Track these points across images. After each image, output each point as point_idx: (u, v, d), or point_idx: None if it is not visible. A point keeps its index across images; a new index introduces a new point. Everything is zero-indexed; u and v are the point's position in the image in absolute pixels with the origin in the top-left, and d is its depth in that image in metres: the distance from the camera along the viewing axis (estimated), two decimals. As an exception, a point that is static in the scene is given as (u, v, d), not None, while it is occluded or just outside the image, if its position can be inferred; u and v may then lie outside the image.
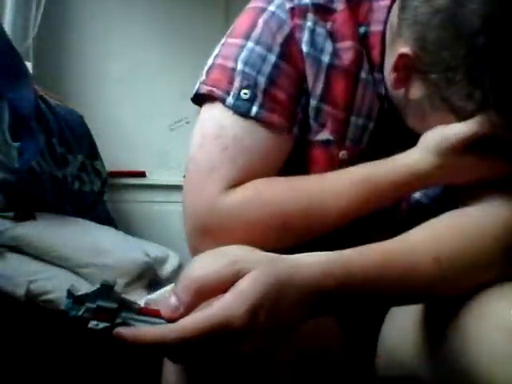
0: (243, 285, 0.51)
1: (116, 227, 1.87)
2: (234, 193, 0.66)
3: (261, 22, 0.71)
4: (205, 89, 0.71)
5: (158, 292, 1.53)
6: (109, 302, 0.52)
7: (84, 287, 1.52)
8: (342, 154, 0.73)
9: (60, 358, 1.32)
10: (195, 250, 0.66)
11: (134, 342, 0.50)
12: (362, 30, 0.73)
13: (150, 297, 1.54)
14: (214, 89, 0.70)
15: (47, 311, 1.40)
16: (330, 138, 0.73)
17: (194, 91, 0.73)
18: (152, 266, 1.64)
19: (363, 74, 0.73)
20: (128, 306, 0.53)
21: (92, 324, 0.52)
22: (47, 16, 2.02)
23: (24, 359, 1.29)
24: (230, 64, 0.71)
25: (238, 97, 0.69)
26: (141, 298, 1.54)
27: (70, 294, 0.52)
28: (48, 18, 2.03)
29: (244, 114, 0.69)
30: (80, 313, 0.52)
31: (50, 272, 1.46)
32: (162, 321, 0.52)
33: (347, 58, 0.72)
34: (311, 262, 0.55)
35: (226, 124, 0.69)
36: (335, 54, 0.72)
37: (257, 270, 0.52)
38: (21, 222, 1.49)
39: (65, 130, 1.76)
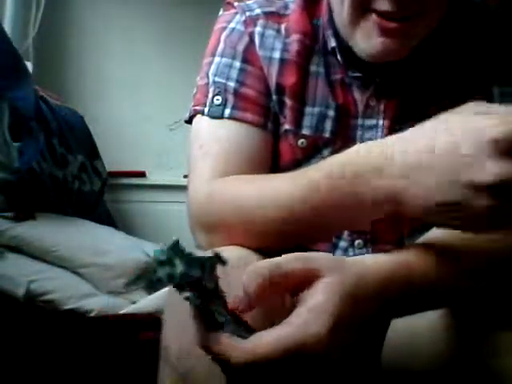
0: (320, 299, 0.48)
1: (116, 227, 1.87)
2: (208, 187, 0.70)
3: (223, 37, 0.80)
4: (191, 110, 0.79)
5: (158, 293, 1.53)
6: (208, 280, 0.45)
7: (85, 287, 1.52)
8: (301, 142, 0.77)
9: (60, 358, 1.32)
10: (195, 241, 0.71)
11: (204, 348, 0.48)
12: (315, 22, 0.79)
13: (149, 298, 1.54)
14: (196, 107, 0.78)
15: (47, 311, 1.40)
16: (288, 127, 0.77)
17: (187, 116, 0.81)
18: (152, 265, 1.64)
19: (313, 68, 0.78)
20: (219, 293, 0.47)
21: (190, 296, 0.45)
22: (47, 16, 2.02)
23: (24, 359, 1.29)
24: (205, 81, 0.79)
25: (211, 104, 0.76)
26: (141, 298, 1.54)
27: (176, 247, 0.44)
28: (48, 18, 2.03)
29: (219, 117, 0.75)
30: (177, 273, 0.44)
31: (50, 272, 1.46)
32: (242, 332, 0.47)
33: (293, 49, 0.77)
34: (374, 268, 0.52)
35: (203, 127, 0.76)
36: (284, 48, 0.78)
37: (329, 279, 0.48)
38: (21, 222, 1.49)
39: (65, 130, 1.76)
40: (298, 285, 0.48)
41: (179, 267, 0.44)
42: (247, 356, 0.45)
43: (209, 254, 0.46)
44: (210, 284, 0.45)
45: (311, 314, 0.47)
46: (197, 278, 0.45)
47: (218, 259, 0.46)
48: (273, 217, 0.62)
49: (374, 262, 0.53)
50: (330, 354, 0.47)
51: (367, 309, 0.50)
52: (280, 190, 0.63)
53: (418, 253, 0.55)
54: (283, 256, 0.50)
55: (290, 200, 0.61)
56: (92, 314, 1.43)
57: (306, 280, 0.48)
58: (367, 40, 0.70)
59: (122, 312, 1.47)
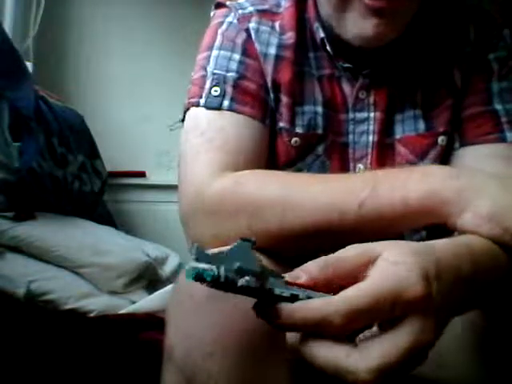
0: (393, 255, 0.44)
1: (116, 227, 1.87)
2: (217, 181, 0.66)
3: (220, 32, 0.78)
4: (185, 104, 0.77)
5: (158, 293, 1.53)
6: (250, 264, 0.42)
7: (85, 287, 1.51)
8: (295, 140, 0.77)
9: (60, 358, 1.32)
10: (187, 233, 0.69)
11: (289, 317, 0.42)
12: (304, 17, 0.79)
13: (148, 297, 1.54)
14: (191, 99, 0.75)
15: (47, 311, 1.39)
16: (282, 125, 0.76)
17: (182, 115, 0.78)
18: (152, 265, 1.64)
19: (307, 66, 0.78)
20: (272, 273, 0.43)
21: (243, 281, 0.41)
22: (47, 16, 2.02)
23: (24, 359, 1.29)
24: (201, 74, 0.76)
25: (208, 95, 0.74)
26: (141, 298, 1.54)
27: (199, 253, 0.41)
28: (48, 18, 2.03)
29: (216, 108, 0.73)
30: (222, 272, 0.40)
31: (50, 272, 1.46)
32: (318, 293, 0.42)
33: (288, 47, 0.77)
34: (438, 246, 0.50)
35: (201, 116, 0.73)
36: (280, 45, 0.77)
37: (391, 249, 0.45)
38: (21, 222, 1.49)
39: (65, 130, 1.76)
40: (359, 268, 0.44)
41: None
42: (344, 304, 0.41)
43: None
44: (253, 267, 0.42)
45: (393, 266, 0.43)
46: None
47: (247, 240, 0.44)
48: (303, 219, 0.60)
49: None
50: (428, 305, 0.43)
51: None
52: (320, 193, 0.61)
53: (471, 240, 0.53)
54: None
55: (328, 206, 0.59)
56: (92, 314, 1.43)
57: (364, 262, 0.44)
58: (357, 24, 0.69)
59: (121, 312, 1.47)
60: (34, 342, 1.31)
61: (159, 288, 1.59)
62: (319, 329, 0.42)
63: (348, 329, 0.42)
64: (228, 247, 0.43)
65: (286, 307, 0.42)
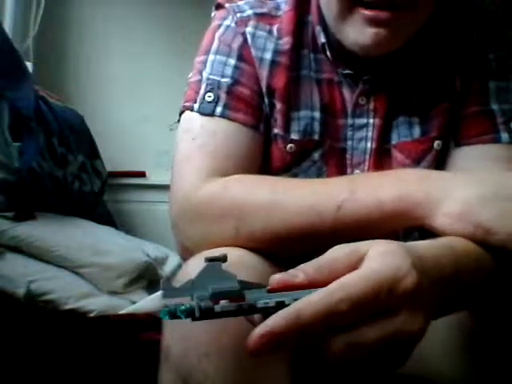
0: (383, 247, 0.44)
1: (116, 227, 1.87)
2: (205, 186, 0.67)
3: (217, 36, 0.78)
4: (180, 107, 0.77)
5: (158, 293, 1.53)
6: (224, 282, 0.40)
7: (85, 287, 1.52)
8: (290, 147, 0.76)
9: (60, 358, 1.32)
10: (177, 236, 0.71)
11: (289, 325, 0.39)
12: (306, 19, 0.78)
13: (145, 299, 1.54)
14: (186, 103, 0.76)
15: (47, 311, 1.40)
16: (277, 132, 0.76)
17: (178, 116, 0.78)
18: (152, 265, 1.64)
19: (304, 71, 0.77)
20: (250, 285, 0.41)
21: (219, 307, 0.38)
22: (47, 16, 2.02)
23: (24, 359, 1.29)
24: (197, 78, 0.76)
25: (202, 101, 0.74)
26: (141, 298, 1.55)
27: (166, 288, 0.39)
28: (48, 18, 2.03)
29: (209, 115, 0.73)
30: (195, 304, 0.38)
31: (50, 272, 1.46)
32: (305, 291, 0.40)
33: (285, 52, 0.76)
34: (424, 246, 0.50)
35: (194, 121, 0.74)
36: (276, 50, 0.76)
37: (379, 245, 0.45)
38: (21, 222, 1.49)
39: (65, 130, 1.76)
40: (349, 269, 0.44)
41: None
42: (342, 293, 0.40)
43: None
44: (230, 284, 0.40)
45: (383, 256, 0.43)
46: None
47: (215, 259, 0.43)
48: (292, 222, 0.61)
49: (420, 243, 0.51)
50: (421, 295, 0.43)
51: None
52: (308, 195, 0.62)
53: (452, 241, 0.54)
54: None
55: (319, 208, 0.60)
56: (92, 314, 1.43)
57: (355, 261, 0.44)
58: (358, 32, 0.68)
59: (121, 312, 1.47)
60: (34, 342, 1.31)
61: (159, 288, 1.59)
62: (330, 319, 0.40)
63: (352, 317, 0.41)
64: (196, 273, 0.42)
65: (280, 314, 0.39)
